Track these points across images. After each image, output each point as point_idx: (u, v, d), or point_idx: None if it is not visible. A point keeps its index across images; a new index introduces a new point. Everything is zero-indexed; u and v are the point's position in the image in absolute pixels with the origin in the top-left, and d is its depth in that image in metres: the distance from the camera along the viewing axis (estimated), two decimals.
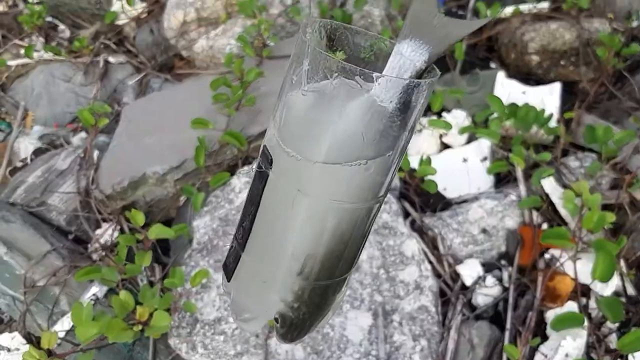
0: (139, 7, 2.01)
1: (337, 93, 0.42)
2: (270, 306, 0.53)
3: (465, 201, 1.39)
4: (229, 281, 0.55)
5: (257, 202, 0.48)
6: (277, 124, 0.46)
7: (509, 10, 1.85)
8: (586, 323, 1.12)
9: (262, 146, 0.48)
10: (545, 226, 1.33)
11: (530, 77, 1.77)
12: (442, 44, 0.43)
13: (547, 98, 1.64)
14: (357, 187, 0.45)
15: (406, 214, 1.35)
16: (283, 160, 0.45)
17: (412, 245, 1.24)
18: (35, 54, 1.96)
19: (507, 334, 1.17)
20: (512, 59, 1.80)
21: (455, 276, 1.27)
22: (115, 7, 2.01)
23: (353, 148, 0.43)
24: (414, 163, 1.39)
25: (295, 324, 0.53)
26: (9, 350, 1.28)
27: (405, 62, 0.43)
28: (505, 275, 1.28)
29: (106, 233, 1.38)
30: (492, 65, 1.85)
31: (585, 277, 1.21)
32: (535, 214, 1.34)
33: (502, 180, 1.47)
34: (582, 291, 1.21)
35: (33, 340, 1.28)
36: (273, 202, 0.48)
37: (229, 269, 0.54)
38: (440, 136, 1.56)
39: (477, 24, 0.47)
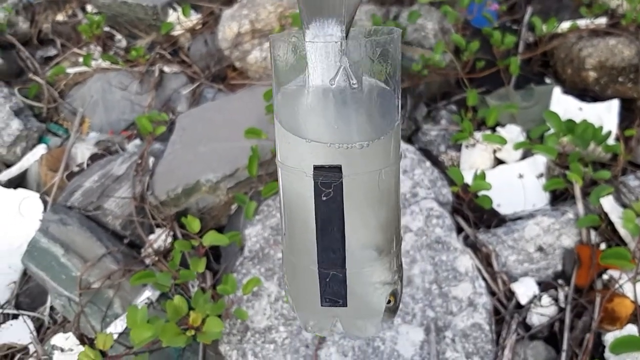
0: (194, 19, 2.05)
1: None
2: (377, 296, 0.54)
3: (520, 218, 1.36)
4: (343, 304, 0.52)
5: (341, 216, 0.48)
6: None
7: (565, 25, 1.82)
8: None
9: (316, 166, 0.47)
10: (603, 246, 1.29)
11: (586, 94, 1.73)
12: (344, 7, 0.43)
13: (604, 115, 1.60)
14: (394, 144, 0.48)
15: (459, 229, 1.33)
16: (350, 159, 0.46)
17: (466, 261, 1.22)
18: (92, 63, 2.02)
19: (563, 356, 1.14)
20: (568, 75, 1.77)
21: (510, 294, 1.24)
22: (171, 18, 2.05)
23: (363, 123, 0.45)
24: (468, 178, 1.37)
25: (401, 293, 0.55)
26: (62, 350, 1.30)
27: (327, 45, 0.44)
28: (561, 295, 1.24)
29: (159, 238, 1.40)
30: (547, 80, 1.82)
31: None
32: (593, 233, 1.30)
33: (558, 197, 1.44)
34: None
35: (86, 341, 1.30)
36: (354, 204, 0.48)
37: (341, 295, 0.52)
38: (494, 151, 1.54)
39: None
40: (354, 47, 0.43)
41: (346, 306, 0.51)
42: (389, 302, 0.53)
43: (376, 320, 0.54)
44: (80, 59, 2.07)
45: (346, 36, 0.43)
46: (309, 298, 0.53)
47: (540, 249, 1.28)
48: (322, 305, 0.51)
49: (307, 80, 0.45)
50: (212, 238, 1.21)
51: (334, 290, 0.51)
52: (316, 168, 0.46)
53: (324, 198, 0.46)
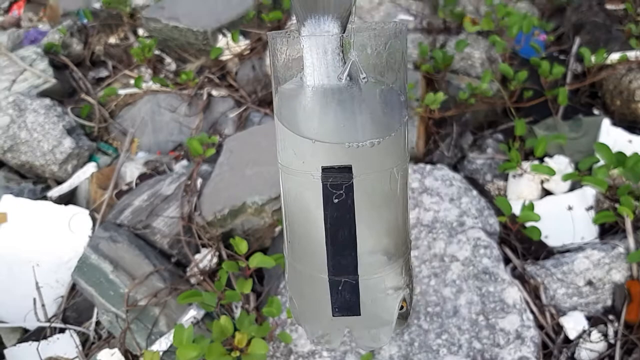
0: (243, 44, 2.09)
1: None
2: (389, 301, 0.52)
3: (568, 251, 1.34)
4: (356, 313, 0.50)
5: (352, 219, 0.45)
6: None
7: (614, 56, 1.80)
8: None
9: (325, 167, 0.45)
10: None
11: (636, 125, 1.71)
12: (339, 3, 0.42)
13: None
14: (404, 141, 0.47)
15: (507, 260, 1.31)
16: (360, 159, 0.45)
17: (514, 293, 1.20)
18: (143, 85, 2.08)
19: None
20: (617, 106, 1.75)
21: (558, 328, 1.22)
22: (221, 43, 2.10)
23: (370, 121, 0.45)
24: (515, 208, 1.36)
25: (412, 297, 0.53)
26: None
27: (325, 39, 0.42)
28: (611, 331, 1.21)
29: (205, 258, 1.42)
30: (595, 111, 1.80)
31: None
32: None
33: (607, 231, 1.41)
34: None
35: (130, 357, 1.32)
36: (367, 204, 0.46)
37: (354, 303, 0.49)
38: (542, 182, 1.52)
39: None
40: (359, 41, 0.42)
41: (359, 315, 0.49)
42: (401, 308, 0.51)
43: (388, 329, 0.52)
44: (131, 81, 2.14)
45: (343, 32, 0.42)
46: (317, 308, 0.51)
47: (589, 283, 1.25)
48: (333, 316, 0.48)
49: (305, 78, 0.43)
50: (258, 260, 1.22)
51: (346, 299, 0.48)
52: (325, 169, 0.43)
53: (336, 200, 0.44)
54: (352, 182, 0.43)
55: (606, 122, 1.66)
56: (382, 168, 0.45)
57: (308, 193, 0.46)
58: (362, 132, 0.44)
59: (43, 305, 1.49)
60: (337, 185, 0.43)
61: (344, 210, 0.44)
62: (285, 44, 0.44)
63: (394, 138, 0.45)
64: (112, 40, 2.46)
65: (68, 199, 1.80)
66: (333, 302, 0.48)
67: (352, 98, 0.43)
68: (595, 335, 1.20)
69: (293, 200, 0.48)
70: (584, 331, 1.20)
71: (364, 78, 0.43)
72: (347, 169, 0.43)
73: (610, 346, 1.19)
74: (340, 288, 0.47)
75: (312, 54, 0.42)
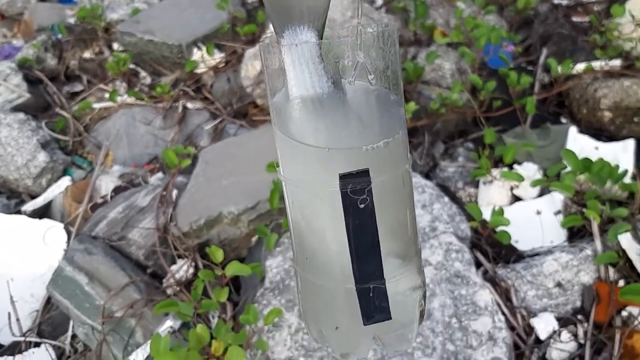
0: (218, 57, 2.11)
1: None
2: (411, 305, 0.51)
3: (538, 254, 1.37)
4: (388, 317, 0.49)
5: (374, 224, 0.45)
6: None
7: (580, 66, 1.86)
8: None
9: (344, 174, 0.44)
10: (622, 283, 1.30)
11: (602, 133, 1.76)
12: (313, 13, 0.43)
13: (620, 155, 1.62)
14: (407, 140, 0.47)
15: (478, 264, 1.34)
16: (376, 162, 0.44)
17: (485, 296, 1.23)
18: (118, 98, 2.08)
19: None
20: (583, 115, 1.80)
21: (529, 329, 1.25)
22: (196, 56, 2.12)
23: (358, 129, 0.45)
24: (486, 214, 1.39)
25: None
26: None
27: (304, 49, 0.42)
28: (580, 331, 1.24)
29: (181, 269, 1.42)
30: (563, 120, 1.85)
31: None
32: (611, 270, 1.31)
33: (576, 234, 1.45)
34: None
35: None
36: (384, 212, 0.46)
37: (385, 308, 0.48)
38: (511, 188, 1.56)
39: None
40: (352, 42, 0.42)
41: (391, 319, 0.48)
42: (420, 306, 0.51)
43: (412, 328, 0.52)
44: (106, 95, 2.14)
45: (320, 39, 0.43)
46: (344, 321, 0.50)
47: (559, 284, 1.29)
48: (365, 325, 0.47)
49: (294, 89, 0.43)
50: (234, 268, 1.23)
51: (376, 305, 0.47)
52: (343, 177, 0.43)
53: (361, 205, 0.43)
54: (371, 187, 0.43)
55: (573, 130, 1.71)
56: (395, 168, 0.45)
57: (323, 204, 0.45)
58: (375, 133, 0.44)
59: (18, 320, 1.48)
60: (358, 190, 0.43)
61: (366, 215, 0.44)
62: (279, 52, 0.43)
63: (401, 136, 0.45)
64: (87, 54, 2.46)
65: (42, 212, 1.79)
66: (363, 311, 0.47)
67: (358, 100, 0.44)
68: (565, 335, 1.23)
69: (305, 214, 0.47)
70: (554, 332, 1.23)
71: (372, 79, 0.43)
72: (366, 173, 0.43)
73: (580, 346, 1.22)
74: (370, 295, 0.47)
75: (297, 63, 0.43)
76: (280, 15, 0.42)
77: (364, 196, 0.43)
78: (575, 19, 2.23)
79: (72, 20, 2.69)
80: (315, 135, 0.44)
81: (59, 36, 2.49)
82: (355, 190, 0.43)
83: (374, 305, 0.47)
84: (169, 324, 1.31)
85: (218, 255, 1.26)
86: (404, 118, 0.45)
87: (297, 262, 0.50)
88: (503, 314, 1.24)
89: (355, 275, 0.46)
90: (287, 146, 0.45)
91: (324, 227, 0.47)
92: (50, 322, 1.51)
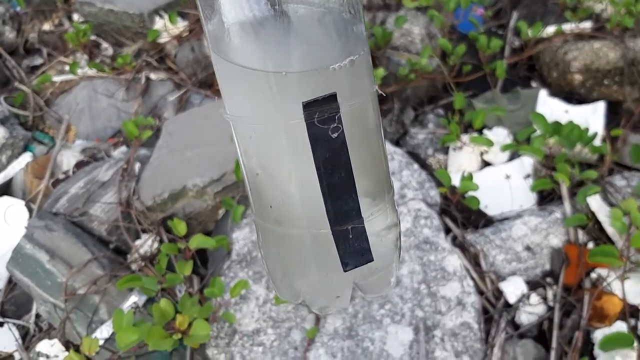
0: (181, 26, 2.05)
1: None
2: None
3: (507, 218, 1.36)
4: (370, 258, 0.44)
5: (347, 155, 0.40)
6: None
7: (550, 29, 1.84)
8: (636, 344, 1.08)
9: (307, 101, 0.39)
10: (591, 245, 1.30)
11: (572, 96, 1.74)
12: None
13: (590, 117, 1.61)
14: (371, 61, 0.42)
15: (447, 230, 1.33)
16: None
17: (454, 261, 1.22)
18: (79, 71, 2.01)
19: (553, 354, 1.14)
20: (554, 78, 1.78)
21: (498, 293, 1.24)
22: (158, 25, 2.05)
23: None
24: (455, 180, 1.38)
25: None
26: (47, 357, 1.28)
27: None
28: (550, 294, 1.24)
29: (146, 244, 1.39)
30: (533, 84, 1.83)
31: (634, 297, 1.17)
32: (580, 232, 1.31)
33: (545, 198, 1.44)
34: (630, 312, 1.17)
35: (72, 347, 1.28)
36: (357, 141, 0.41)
37: (365, 250, 0.44)
38: (481, 154, 1.54)
39: None
40: None
41: (373, 260, 0.43)
42: (396, 244, 0.48)
43: (392, 269, 0.48)
44: (67, 68, 2.07)
45: None
46: (320, 271, 0.45)
47: (528, 248, 1.28)
48: (345, 271, 0.43)
49: (227, 13, 0.37)
50: (198, 241, 1.20)
51: (356, 247, 0.42)
52: (307, 105, 0.37)
53: (334, 135, 0.38)
54: (340, 113, 0.38)
55: (543, 94, 1.70)
56: (364, 91, 0.40)
57: (282, 141, 0.40)
58: (338, 51, 0.38)
59: None
60: (326, 119, 0.38)
61: (337, 147, 0.39)
62: None
63: (366, 54, 0.40)
64: (47, 26, 2.37)
65: (3, 190, 1.73)
66: (342, 255, 0.43)
67: (312, 19, 0.37)
68: (535, 298, 1.22)
69: (263, 156, 0.42)
70: (524, 295, 1.22)
71: None
72: (333, 98, 0.37)
73: (550, 309, 1.22)
74: (349, 237, 0.42)
75: None
76: None
77: (335, 124, 0.38)
78: None
79: None
80: (266, 59, 0.37)
81: (17, 8, 2.39)
82: (324, 119, 0.38)
83: (353, 248, 0.42)
84: (133, 299, 1.28)
85: (181, 228, 1.22)
86: (365, 35, 0.40)
87: (257, 213, 0.45)
88: (472, 278, 1.23)
89: (330, 216, 0.41)
90: (233, 77, 0.39)
91: (286, 168, 0.41)
92: (13, 302, 1.47)
